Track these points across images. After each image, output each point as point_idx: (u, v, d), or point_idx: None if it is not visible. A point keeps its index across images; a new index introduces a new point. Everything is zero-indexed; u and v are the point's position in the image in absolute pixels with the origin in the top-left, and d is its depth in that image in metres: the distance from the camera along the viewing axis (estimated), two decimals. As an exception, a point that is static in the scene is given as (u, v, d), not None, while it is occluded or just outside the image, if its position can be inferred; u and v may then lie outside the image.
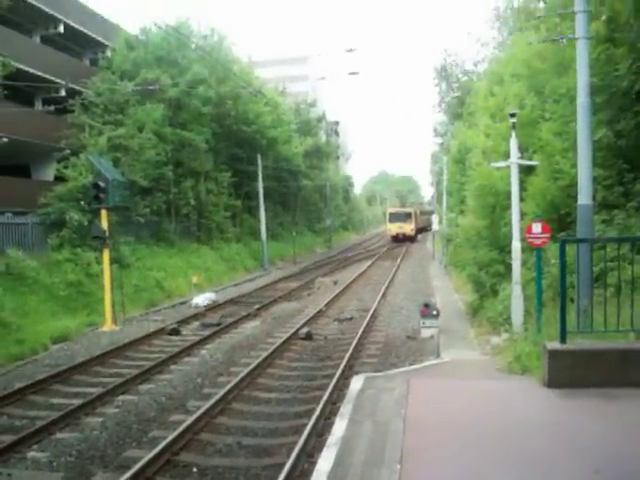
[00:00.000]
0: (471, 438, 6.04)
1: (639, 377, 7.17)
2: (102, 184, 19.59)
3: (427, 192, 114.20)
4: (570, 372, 7.30)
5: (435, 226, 51.30)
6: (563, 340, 7.44)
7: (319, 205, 65.84)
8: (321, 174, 62.90)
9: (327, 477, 5.30)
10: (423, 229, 78.72)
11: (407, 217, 66.30)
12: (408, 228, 65.52)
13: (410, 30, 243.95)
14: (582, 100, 11.19)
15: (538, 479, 5.12)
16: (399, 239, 63.71)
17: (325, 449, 5.95)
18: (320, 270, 37.34)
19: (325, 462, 5.60)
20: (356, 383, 8.22)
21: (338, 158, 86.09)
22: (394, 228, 65.87)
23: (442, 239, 39.36)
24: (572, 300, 9.21)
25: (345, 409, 7.11)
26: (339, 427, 6.45)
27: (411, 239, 65.12)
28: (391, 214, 68.23)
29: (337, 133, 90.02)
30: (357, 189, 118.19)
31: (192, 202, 33.93)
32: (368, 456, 5.66)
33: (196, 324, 19.90)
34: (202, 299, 23.71)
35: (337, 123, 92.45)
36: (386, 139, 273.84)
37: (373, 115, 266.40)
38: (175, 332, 18.19)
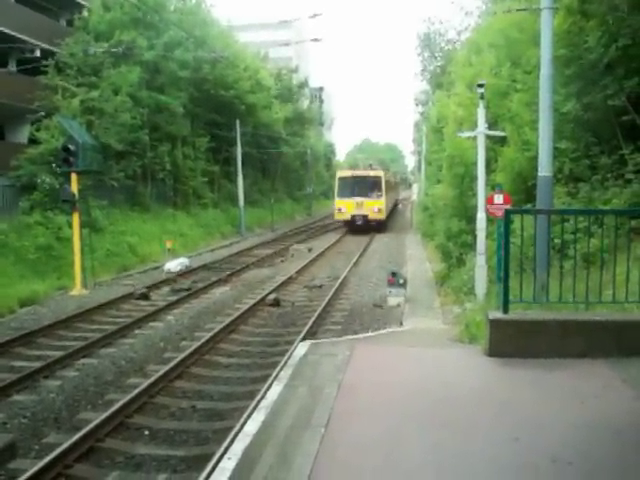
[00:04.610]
0: (400, 403, 6.16)
1: (578, 348, 7.31)
2: (72, 147, 19.38)
3: (411, 161, 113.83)
4: (511, 342, 7.41)
5: (414, 196, 51.61)
6: (505, 310, 7.55)
7: (300, 172, 64.15)
8: (302, 141, 61.85)
9: (252, 438, 5.40)
10: (397, 204, 62.34)
11: (373, 187, 39.78)
12: (374, 207, 39.19)
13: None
14: (545, 72, 11.17)
15: (457, 443, 5.24)
16: (357, 226, 38.77)
17: (255, 412, 6.05)
18: (297, 237, 37.41)
19: (252, 425, 5.70)
20: (301, 349, 8.32)
21: (322, 125, 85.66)
22: (348, 207, 39.20)
23: (420, 208, 39.55)
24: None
25: (284, 374, 7.21)
26: (274, 391, 6.55)
27: (379, 226, 39.84)
28: (342, 180, 40.59)
29: (321, 100, 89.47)
30: (341, 157, 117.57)
31: (168, 167, 33.83)
32: (295, 420, 5.76)
33: (166, 289, 19.92)
34: (175, 264, 23.64)
35: (321, 89, 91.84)
36: (370, 107, 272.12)
37: (358, 82, 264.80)
38: (144, 297, 18.18)
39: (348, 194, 39.22)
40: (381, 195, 39.65)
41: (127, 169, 29.84)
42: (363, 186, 39.46)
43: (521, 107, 15.87)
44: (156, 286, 20.13)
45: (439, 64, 47.71)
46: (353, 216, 38.86)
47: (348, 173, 41.69)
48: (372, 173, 41.07)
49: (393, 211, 50.78)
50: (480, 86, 14.20)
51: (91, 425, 8.32)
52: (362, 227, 38.40)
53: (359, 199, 38.88)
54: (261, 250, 30.68)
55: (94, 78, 29.33)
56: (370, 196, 39.19)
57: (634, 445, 5.30)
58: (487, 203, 13.28)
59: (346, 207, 39.21)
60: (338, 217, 40.64)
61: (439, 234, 19.77)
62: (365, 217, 38.77)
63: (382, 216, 39.76)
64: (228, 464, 5.08)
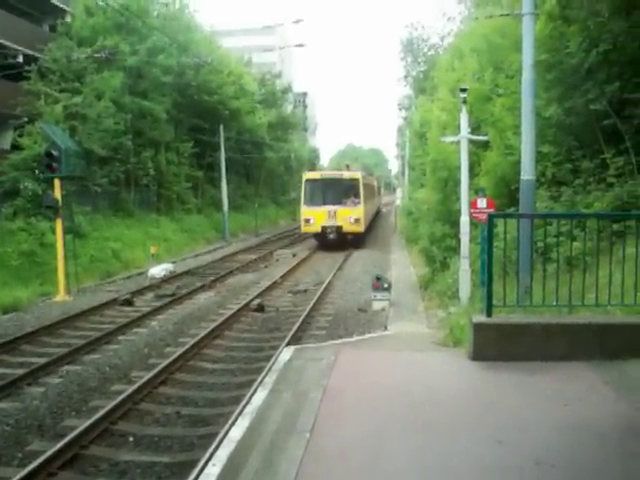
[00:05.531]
0: (385, 408, 6.18)
1: (561, 350, 7.36)
2: (55, 153, 19.28)
3: (395, 165, 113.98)
4: (495, 345, 7.45)
5: (398, 200, 51.69)
6: (489, 313, 7.59)
7: (284, 177, 63.96)
8: (286, 146, 61.74)
9: (236, 444, 5.40)
10: (380, 211, 56.42)
11: (349, 192, 32.32)
12: (349, 217, 31.50)
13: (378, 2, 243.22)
14: (527, 76, 11.25)
15: (440, 446, 5.27)
16: (330, 240, 31.71)
17: (240, 418, 6.05)
18: (280, 242, 37.39)
19: (237, 430, 5.70)
20: (285, 354, 8.32)
21: (305, 130, 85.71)
22: (318, 218, 31.54)
23: (404, 213, 39.63)
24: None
25: (269, 379, 7.21)
26: (259, 397, 6.55)
27: (357, 240, 32.37)
28: (310, 184, 32.73)
29: (305, 105, 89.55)
30: (325, 162, 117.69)
31: (152, 172, 33.82)
32: (280, 425, 5.77)
33: (150, 295, 19.82)
34: (159, 270, 23.50)
35: (305, 94, 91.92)
36: (354, 112, 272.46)
37: (341, 87, 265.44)
38: (128, 303, 18.08)
39: (318, 201, 31.97)
40: (359, 202, 32.15)
41: (110, 175, 29.80)
42: (336, 191, 32.11)
43: (504, 112, 15.96)
44: (140, 292, 20.02)
45: (422, 69, 47.92)
46: (324, 228, 31.46)
47: (317, 175, 34.08)
48: (347, 175, 33.60)
49: (375, 218, 44.88)
50: (463, 91, 14.27)
51: (75, 432, 8.26)
52: (335, 242, 31.42)
53: (331, 207, 31.39)
54: (245, 255, 30.63)
55: (77, 84, 29.28)
56: (345, 203, 31.93)
57: (617, 448, 5.34)
58: (471, 207, 13.34)
59: (315, 217, 31.55)
60: (306, 230, 33.23)
61: (423, 238, 19.83)
62: (339, 229, 31.46)
63: (360, 228, 32.21)
64: (213, 470, 5.08)
